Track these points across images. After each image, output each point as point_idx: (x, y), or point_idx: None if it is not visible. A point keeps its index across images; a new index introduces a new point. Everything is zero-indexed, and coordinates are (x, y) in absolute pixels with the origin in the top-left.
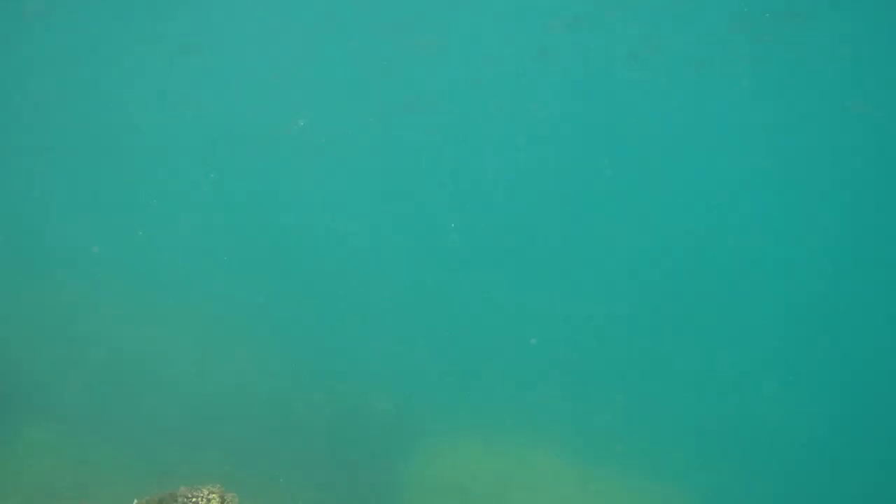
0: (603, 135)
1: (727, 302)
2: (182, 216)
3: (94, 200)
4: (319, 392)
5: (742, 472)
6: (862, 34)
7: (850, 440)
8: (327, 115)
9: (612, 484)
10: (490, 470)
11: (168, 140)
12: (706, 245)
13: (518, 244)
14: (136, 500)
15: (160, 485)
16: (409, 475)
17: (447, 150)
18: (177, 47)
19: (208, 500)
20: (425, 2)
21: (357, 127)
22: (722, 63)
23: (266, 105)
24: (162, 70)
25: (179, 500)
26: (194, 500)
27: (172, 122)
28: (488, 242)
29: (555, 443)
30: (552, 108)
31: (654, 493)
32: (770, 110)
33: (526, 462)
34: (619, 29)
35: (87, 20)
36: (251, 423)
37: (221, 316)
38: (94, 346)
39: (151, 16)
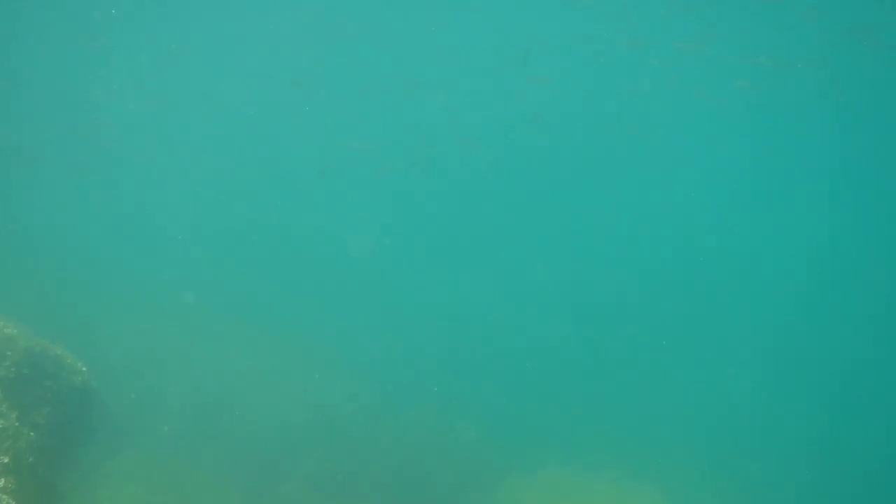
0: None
1: None
2: (261, 249)
3: (171, 240)
4: (404, 419)
5: None
6: None
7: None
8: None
9: None
10: None
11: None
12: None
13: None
14: None
15: None
16: None
17: None
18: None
19: None
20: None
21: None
22: None
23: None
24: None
25: None
26: None
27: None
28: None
29: (646, 479)
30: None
31: None
32: None
33: (615, 498)
34: None
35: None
36: (335, 449)
37: (305, 344)
38: (181, 375)
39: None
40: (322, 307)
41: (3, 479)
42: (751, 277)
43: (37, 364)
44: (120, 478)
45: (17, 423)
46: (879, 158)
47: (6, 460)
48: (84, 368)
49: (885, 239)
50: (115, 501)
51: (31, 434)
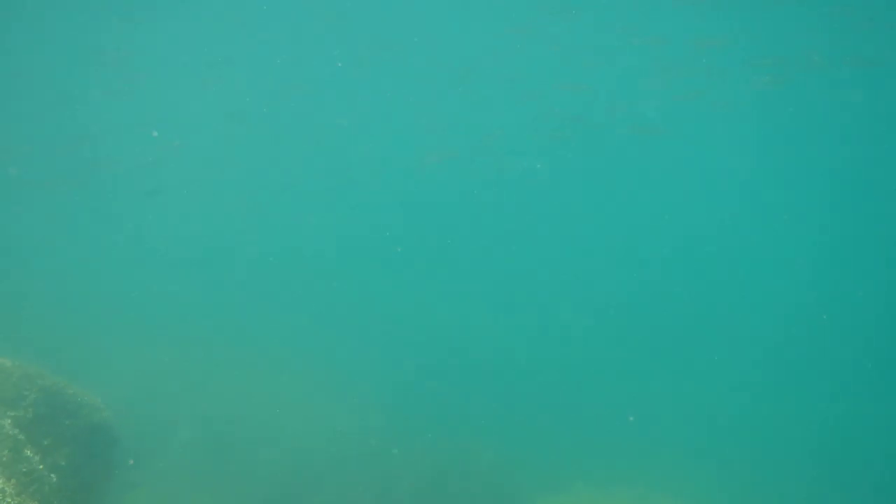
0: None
1: None
2: (269, 276)
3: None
4: (420, 443)
5: None
6: None
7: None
8: None
9: None
10: None
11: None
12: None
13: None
14: None
15: None
16: None
17: None
18: None
19: None
20: None
21: None
22: None
23: None
24: None
25: None
26: None
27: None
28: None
29: (673, 493)
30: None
31: None
32: None
33: None
34: None
35: None
36: (354, 478)
37: (318, 370)
38: (194, 405)
39: None
40: (331, 331)
41: None
42: (767, 280)
43: (55, 403)
44: None
45: (40, 467)
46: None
47: None
48: (102, 405)
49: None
50: None
51: (54, 477)
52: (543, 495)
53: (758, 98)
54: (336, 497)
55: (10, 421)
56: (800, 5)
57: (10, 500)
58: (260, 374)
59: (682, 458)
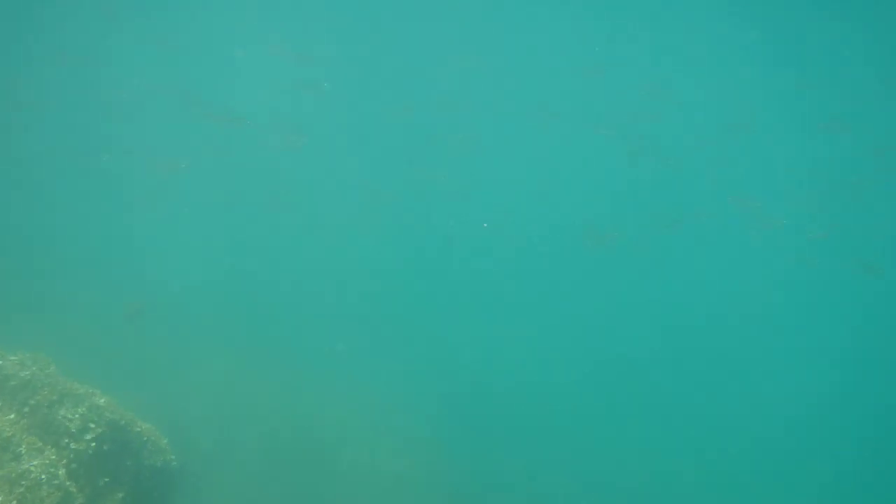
0: None
1: None
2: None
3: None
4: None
5: None
6: None
7: None
8: None
9: None
10: None
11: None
12: None
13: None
14: None
15: None
16: None
17: None
18: None
19: None
20: None
21: None
22: None
23: None
24: None
25: None
26: None
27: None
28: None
29: None
30: None
31: None
32: None
33: None
34: None
35: None
36: None
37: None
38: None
39: None
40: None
41: None
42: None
43: (119, 439)
44: None
45: None
46: None
47: None
48: (168, 447)
49: None
50: None
51: None
52: None
53: None
54: None
55: (71, 454)
56: None
57: None
58: (324, 399)
59: None
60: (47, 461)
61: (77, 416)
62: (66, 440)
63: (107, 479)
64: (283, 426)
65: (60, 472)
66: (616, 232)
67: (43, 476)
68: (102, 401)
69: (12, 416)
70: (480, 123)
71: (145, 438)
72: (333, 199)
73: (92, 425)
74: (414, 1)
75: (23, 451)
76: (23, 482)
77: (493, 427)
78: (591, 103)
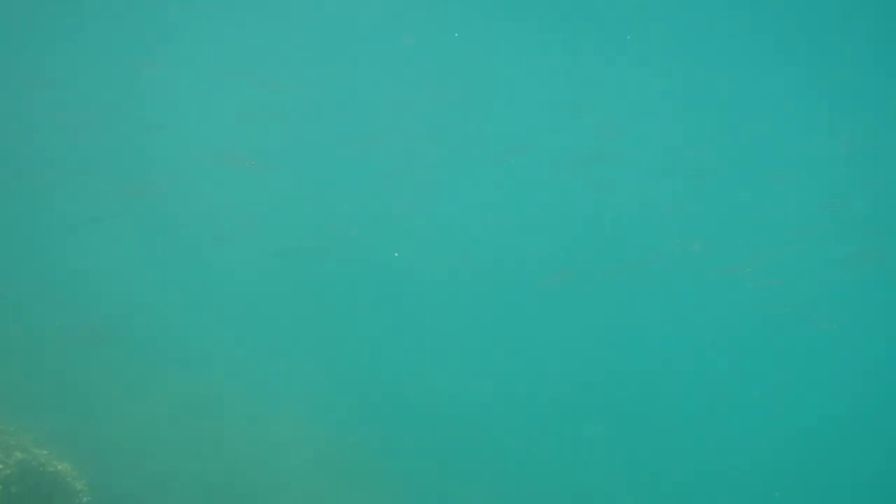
0: None
1: None
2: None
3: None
4: None
5: None
6: None
7: None
8: None
9: None
10: None
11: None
12: None
13: None
14: None
15: None
16: None
17: None
18: None
19: None
20: None
21: None
22: None
23: None
24: None
25: None
26: None
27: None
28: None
29: None
30: None
31: None
32: None
33: None
34: None
35: None
36: None
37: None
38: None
39: None
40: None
41: None
42: None
43: (29, 482)
44: None
45: None
46: None
47: None
48: (85, 488)
49: None
50: None
51: None
52: None
53: None
54: None
55: None
56: None
57: None
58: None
59: None
60: None
61: None
62: None
63: None
64: (216, 462)
65: None
66: (572, 270)
67: None
68: (13, 440)
69: None
70: (440, 158)
71: (59, 481)
72: (284, 228)
73: (0, 466)
74: (372, 36)
75: None
76: None
77: None
78: (554, 140)
